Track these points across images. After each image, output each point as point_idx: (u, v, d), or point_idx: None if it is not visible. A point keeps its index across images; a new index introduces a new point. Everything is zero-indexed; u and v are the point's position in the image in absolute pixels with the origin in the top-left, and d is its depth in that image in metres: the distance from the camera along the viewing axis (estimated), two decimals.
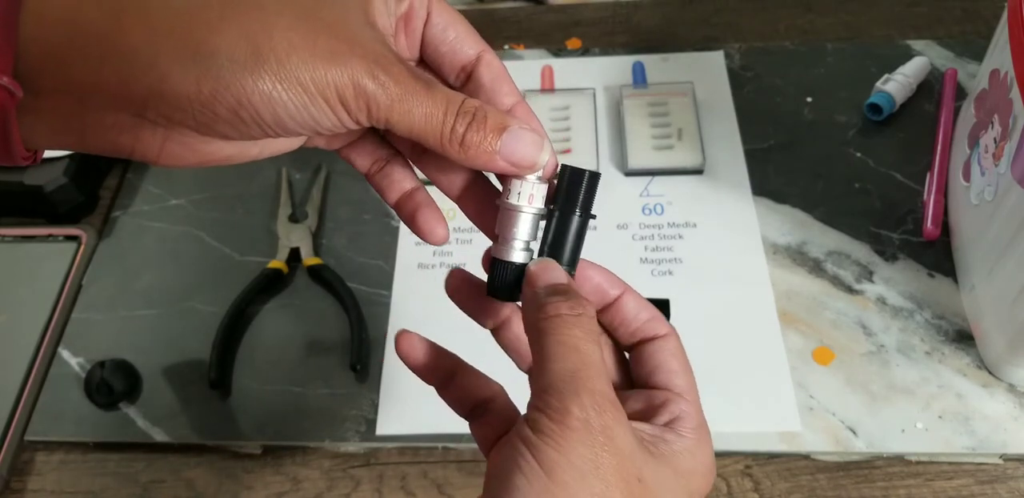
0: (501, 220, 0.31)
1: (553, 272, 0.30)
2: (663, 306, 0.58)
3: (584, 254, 0.32)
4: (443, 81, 0.32)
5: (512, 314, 0.33)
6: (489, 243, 0.32)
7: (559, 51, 0.75)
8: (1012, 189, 0.47)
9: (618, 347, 0.34)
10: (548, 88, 0.71)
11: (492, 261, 0.31)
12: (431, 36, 0.31)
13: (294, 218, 0.64)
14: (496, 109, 0.29)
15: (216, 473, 0.54)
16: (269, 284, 0.61)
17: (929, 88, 0.68)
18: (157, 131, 0.26)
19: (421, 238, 0.32)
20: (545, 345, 0.28)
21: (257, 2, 0.26)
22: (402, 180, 0.33)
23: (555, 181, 0.31)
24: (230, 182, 0.67)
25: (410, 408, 0.54)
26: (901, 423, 0.52)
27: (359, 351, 0.56)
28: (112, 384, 0.55)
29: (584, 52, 0.74)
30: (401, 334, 0.33)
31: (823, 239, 0.60)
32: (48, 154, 0.51)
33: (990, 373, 0.53)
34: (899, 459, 0.51)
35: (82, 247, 0.64)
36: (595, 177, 0.31)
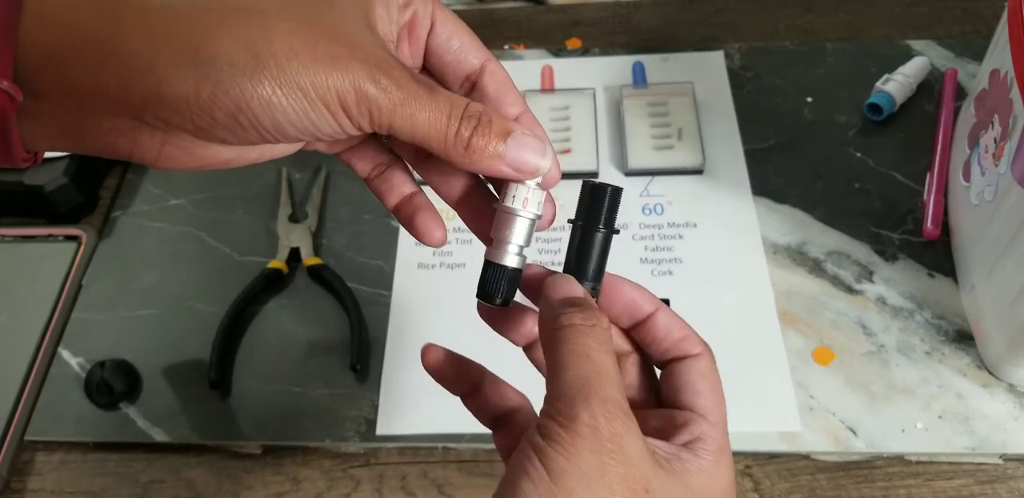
0: (497, 223, 0.31)
1: (569, 285, 0.30)
2: None
3: None
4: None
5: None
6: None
7: (559, 51, 0.75)
8: (1012, 189, 0.47)
9: (650, 365, 0.33)
10: (548, 88, 0.71)
11: (484, 263, 0.31)
12: (435, 45, 0.31)
13: (294, 218, 0.64)
14: (499, 114, 0.29)
15: (216, 473, 0.54)
16: (269, 284, 0.61)
17: (929, 88, 0.68)
18: (156, 135, 0.26)
19: (419, 240, 0.32)
20: (558, 354, 0.28)
21: (257, 7, 0.26)
22: (401, 185, 0.33)
23: (553, 192, 0.31)
24: (230, 182, 0.67)
25: (410, 408, 0.54)
26: (901, 423, 0.52)
27: (359, 351, 0.56)
28: (112, 384, 0.55)
29: (584, 52, 0.74)
30: (427, 348, 0.33)
31: (823, 239, 0.60)
32: (48, 154, 0.51)
33: (990, 373, 0.53)
34: (899, 459, 0.51)
35: (82, 247, 0.64)
36: (617, 192, 0.31)
